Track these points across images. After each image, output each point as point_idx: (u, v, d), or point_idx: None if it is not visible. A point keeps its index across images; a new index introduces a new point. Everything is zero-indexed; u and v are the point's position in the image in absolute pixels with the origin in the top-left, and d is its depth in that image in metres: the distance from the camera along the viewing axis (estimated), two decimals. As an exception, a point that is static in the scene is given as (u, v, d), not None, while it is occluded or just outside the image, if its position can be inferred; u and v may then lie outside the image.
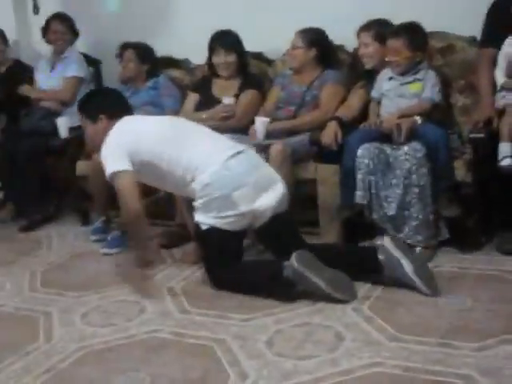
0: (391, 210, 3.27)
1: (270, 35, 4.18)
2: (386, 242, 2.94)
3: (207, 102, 4.09)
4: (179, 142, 3.12)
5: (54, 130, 4.40)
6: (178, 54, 4.69)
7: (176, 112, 4.16)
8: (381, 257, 2.91)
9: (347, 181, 3.34)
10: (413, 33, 3.43)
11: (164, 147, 3.11)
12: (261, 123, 3.74)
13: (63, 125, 4.38)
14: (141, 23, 4.85)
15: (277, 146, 3.54)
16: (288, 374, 2.32)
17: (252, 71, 4.27)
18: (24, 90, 4.76)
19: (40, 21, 5.05)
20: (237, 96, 4.06)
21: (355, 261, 3.03)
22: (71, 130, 4.40)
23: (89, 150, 4.22)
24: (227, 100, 4.01)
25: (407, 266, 2.85)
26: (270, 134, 3.73)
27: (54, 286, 3.38)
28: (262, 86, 4.16)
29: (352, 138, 3.40)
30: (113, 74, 4.77)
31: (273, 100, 4.00)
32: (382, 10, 3.72)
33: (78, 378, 2.45)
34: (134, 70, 4.40)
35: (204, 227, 3.04)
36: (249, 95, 4.07)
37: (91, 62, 4.98)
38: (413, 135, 3.28)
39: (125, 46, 4.44)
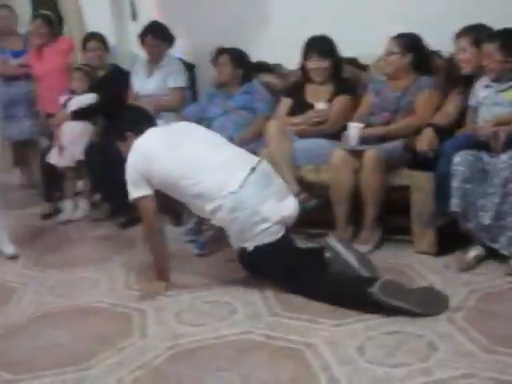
0: (487, 219, 3.19)
1: (363, 40, 4.16)
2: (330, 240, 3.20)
3: (300, 107, 4.10)
4: (192, 170, 3.17)
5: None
6: (271, 58, 4.73)
7: (269, 117, 4.20)
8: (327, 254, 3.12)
9: (442, 188, 3.28)
10: (507, 38, 3.35)
11: (177, 178, 3.18)
12: (354, 129, 3.72)
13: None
14: (235, 28, 4.92)
15: (370, 152, 3.52)
16: (379, 381, 2.30)
17: (345, 76, 4.26)
18: (146, 102, 4.82)
19: (138, 26, 5.19)
20: (330, 101, 4.06)
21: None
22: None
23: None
24: (320, 105, 4.01)
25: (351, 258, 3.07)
26: (363, 140, 3.71)
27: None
28: (355, 92, 4.14)
29: (448, 145, 3.34)
30: (207, 78, 4.86)
31: (366, 105, 3.98)
32: (479, 15, 3.64)
33: (171, 375, 2.51)
34: (228, 75, 4.46)
35: (250, 249, 3.13)
36: (342, 100, 4.05)
37: (186, 66, 5.08)
38: (511, 143, 3.19)
39: (220, 51, 4.52)
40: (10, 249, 4.16)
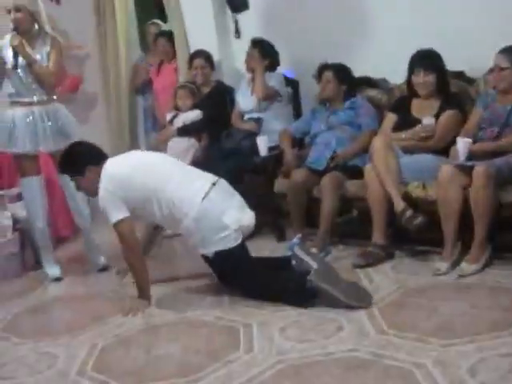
0: None
1: (470, 54, 4.07)
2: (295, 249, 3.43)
3: (406, 122, 4.04)
4: (161, 185, 3.51)
5: (254, 149, 4.56)
6: (375, 73, 4.69)
7: (374, 132, 4.17)
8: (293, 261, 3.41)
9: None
10: None
11: (149, 192, 3.50)
12: (463, 144, 3.64)
13: (263, 143, 4.54)
14: (338, 43, 4.90)
15: (480, 168, 3.42)
16: (493, 405, 2.23)
17: (453, 91, 4.17)
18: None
19: (241, 44, 5.28)
20: (436, 116, 3.98)
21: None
22: (270, 148, 4.56)
23: (287, 169, 4.35)
24: (427, 120, 3.94)
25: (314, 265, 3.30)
26: (472, 155, 3.62)
27: (251, 299, 3.47)
28: (463, 106, 4.04)
29: None
30: (310, 94, 4.88)
31: (475, 120, 3.87)
32: None
33: (278, 390, 2.51)
34: (332, 91, 4.45)
35: (211, 255, 3.46)
36: (449, 115, 3.96)
37: (289, 82, 5.11)
38: None
39: (323, 67, 4.52)
40: (101, 260, 4.45)
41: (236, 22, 5.68)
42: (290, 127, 4.68)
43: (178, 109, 5.26)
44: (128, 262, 3.64)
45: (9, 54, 4.14)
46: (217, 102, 5.19)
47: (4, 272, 4.49)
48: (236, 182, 4.55)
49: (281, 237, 4.48)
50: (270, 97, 4.86)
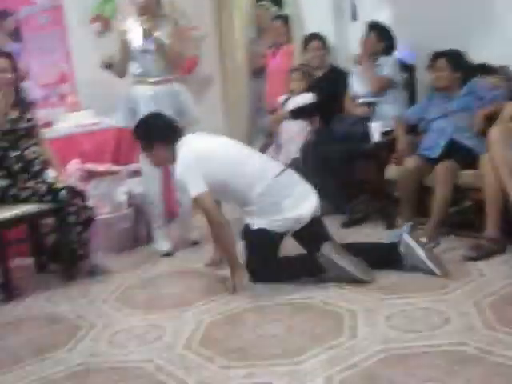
0: None
1: None
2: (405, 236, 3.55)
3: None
4: (239, 162, 3.66)
5: (366, 135, 4.51)
6: (496, 60, 4.51)
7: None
8: (402, 249, 3.53)
9: None
10: None
11: (229, 168, 3.63)
12: None
13: (375, 129, 4.48)
14: (457, 29, 4.75)
15: None
16: None
17: None
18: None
19: (358, 27, 5.21)
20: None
21: (378, 254, 3.64)
22: (383, 134, 4.49)
23: (399, 156, 4.28)
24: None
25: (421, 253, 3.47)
26: None
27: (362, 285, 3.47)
28: None
29: None
30: (426, 79, 4.75)
31: None
32: None
33: (380, 379, 2.49)
34: (446, 79, 4.31)
35: (255, 227, 3.59)
36: None
37: (405, 67, 5.01)
38: None
39: (436, 56, 4.38)
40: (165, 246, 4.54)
41: (353, 5, 5.60)
42: (404, 113, 4.59)
43: (291, 92, 5.27)
44: (217, 235, 3.71)
45: (135, 37, 4.32)
46: (330, 86, 5.16)
47: (118, 246, 4.68)
48: (347, 166, 4.57)
49: (390, 224, 4.42)
50: (383, 88, 4.77)
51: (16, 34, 5.82)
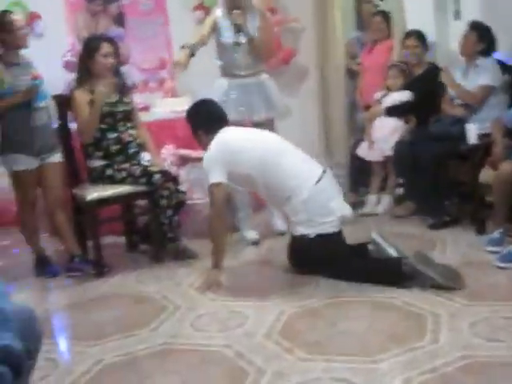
0: None
1: None
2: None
3: None
4: (271, 161, 3.67)
5: (462, 136, 4.41)
6: None
7: None
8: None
9: None
10: None
11: (257, 164, 3.65)
12: None
13: (472, 131, 4.37)
14: None
15: None
16: None
17: None
18: None
19: (460, 25, 5.09)
20: None
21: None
22: (480, 136, 4.38)
23: (495, 159, 4.17)
24: None
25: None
26: None
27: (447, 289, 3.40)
28: None
29: None
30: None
31: None
32: None
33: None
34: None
35: (311, 236, 3.60)
36: None
37: (506, 68, 4.85)
38: None
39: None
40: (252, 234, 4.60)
41: (457, 3, 5.48)
42: (503, 116, 4.46)
43: (388, 88, 5.21)
44: (212, 226, 3.74)
45: (225, 30, 4.39)
46: (428, 85, 5.06)
47: (206, 231, 4.75)
48: (440, 166, 4.49)
49: (481, 230, 4.31)
50: (485, 97, 4.63)
51: (119, 19, 6.00)
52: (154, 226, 4.29)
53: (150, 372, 2.81)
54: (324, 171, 3.76)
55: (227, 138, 3.80)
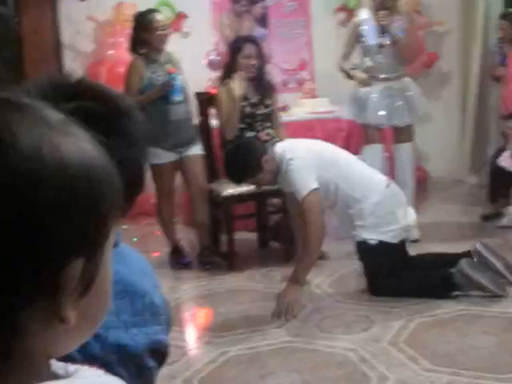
0: None
1: None
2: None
3: None
4: (345, 166, 3.55)
5: None
6: None
7: None
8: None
9: None
10: None
11: (333, 170, 3.50)
12: None
13: None
14: None
15: None
16: None
17: None
18: None
19: None
20: None
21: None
22: None
23: None
24: None
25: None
26: None
27: None
28: None
29: None
30: None
31: None
32: None
33: None
34: None
35: (373, 242, 3.47)
36: None
37: None
38: None
39: None
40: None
41: None
42: None
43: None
44: (316, 237, 3.39)
45: (370, 32, 4.37)
46: None
47: (336, 233, 4.73)
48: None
49: None
50: None
51: (263, 20, 6.11)
52: (285, 224, 4.33)
53: (273, 368, 2.86)
54: (390, 179, 3.72)
55: (303, 143, 3.67)
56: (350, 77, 4.48)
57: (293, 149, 3.55)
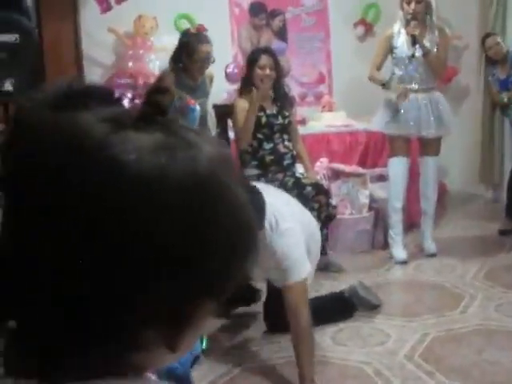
0: None
1: None
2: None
3: None
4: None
5: None
6: None
7: None
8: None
9: None
10: None
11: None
12: None
13: None
14: None
15: None
16: None
17: None
18: None
19: None
20: None
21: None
22: None
23: None
24: None
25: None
26: None
27: None
28: None
29: None
30: None
31: None
32: None
33: None
34: None
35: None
36: None
37: None
38: None
39: None
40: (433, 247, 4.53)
41: None
42: None
43: None
44: (302, 337, 2.73)
45: (402, 43, 4.38)
46: None
47: (353, 247, 4.75)
48: None
49: None
50: None
51: (282, 33, 6.14)
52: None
53: (287, 381, 2.85)
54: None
55: (286, 208, 2.91)
56: (384, 86, 4.45)
57: (283, 213, 2.83)
